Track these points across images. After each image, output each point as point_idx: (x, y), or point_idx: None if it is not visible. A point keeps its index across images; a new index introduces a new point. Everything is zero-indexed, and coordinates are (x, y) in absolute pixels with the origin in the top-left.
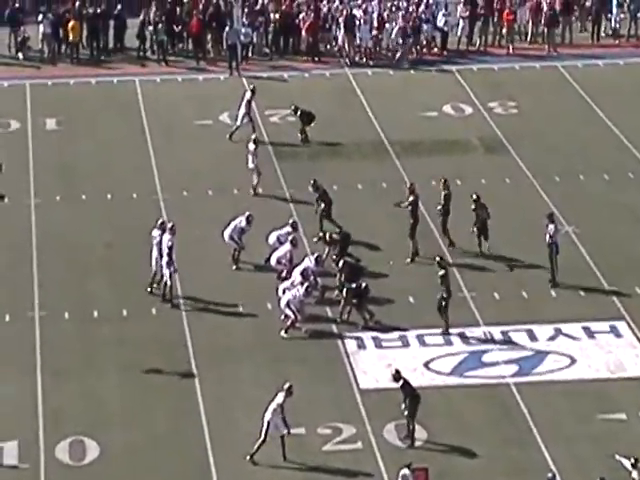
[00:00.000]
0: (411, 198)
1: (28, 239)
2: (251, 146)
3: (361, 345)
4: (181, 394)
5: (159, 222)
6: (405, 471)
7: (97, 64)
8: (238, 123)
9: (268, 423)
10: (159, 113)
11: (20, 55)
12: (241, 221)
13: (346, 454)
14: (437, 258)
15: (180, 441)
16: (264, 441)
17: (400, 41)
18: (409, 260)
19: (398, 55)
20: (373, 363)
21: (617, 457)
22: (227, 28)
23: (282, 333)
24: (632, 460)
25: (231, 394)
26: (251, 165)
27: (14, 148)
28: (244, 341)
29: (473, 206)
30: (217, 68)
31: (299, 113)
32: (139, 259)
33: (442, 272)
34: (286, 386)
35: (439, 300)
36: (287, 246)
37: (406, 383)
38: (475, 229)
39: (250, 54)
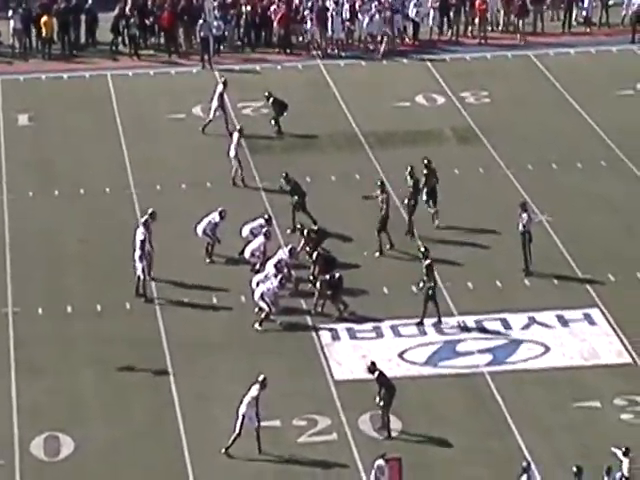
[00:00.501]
0: (383, 196)
1: (1, 235)
2: (235, 135)
3: (335, 336)
4: (156, 389)
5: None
6: (380, 462)
7: (69, 59)
8: (211, 116)
9: (243, 416)
10: (132, 107)
11: None
12: (215, 216)
13: (321, 446)
14: (421, 249)
15: (156, 436)
16: (239, 434)
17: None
18: (378, 254)
19: (383, 48)
20: (348, 354)
21: (612, 449)
22: (200, 21)
23: (256, 326)
24: (623, 449)
25: (206, 388)
26: (232, 153)
27: None
28: (219, 335)
29: (425, 171)
30: (189, 61)
31: (272, 100)
32: (113, 254)
33: (427, 262)
34: (260, 378)
35: (426, 290)
36: (260, 239)
37: (381, 375)
38: (424, 194)
39: (222, 47)
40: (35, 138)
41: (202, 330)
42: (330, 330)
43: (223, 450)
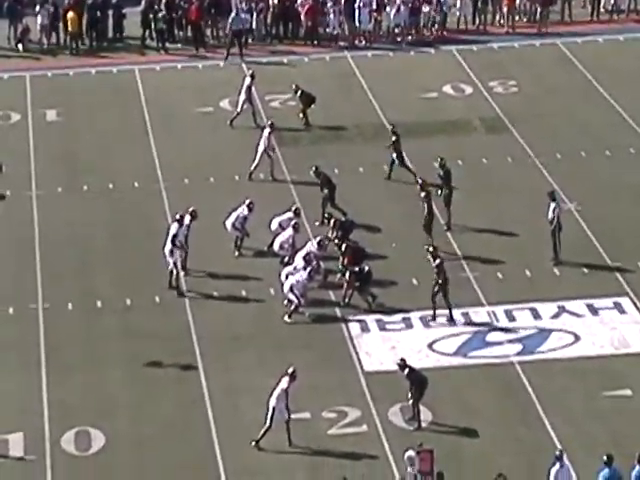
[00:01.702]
0: (423, 194)
1: (30, 231)
2: (266, 131)
3: (365, 328)
4: (186, 382)
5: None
6: (410, 453)
7: (96, 54)
8: (238, 109)
9: (273, 409)
10: (159, 101)
11: (20, 47)
12: (243, 210)
13: (351, 437)
14: (430, 248)
15: (185, 429)
16: (269, 427)
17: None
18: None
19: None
20: (377, 346)
21: None
22: (232, 14)
23: (285, 318)
24: None
25: (236, 381)
26: (261, 148)
27: (15, 140)
28: (248, 327)
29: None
30: (217, 55)
31: (299, 93)
32: (142, 248)
33: (438, 261)
34: (290, 371)
35: (437, 288)
36: (289, 231)
37: (412, 371)
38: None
39: (249, 40)
40: (63, 133)
41: (231, 323)
42: (359, 322)
43: (253, 443)
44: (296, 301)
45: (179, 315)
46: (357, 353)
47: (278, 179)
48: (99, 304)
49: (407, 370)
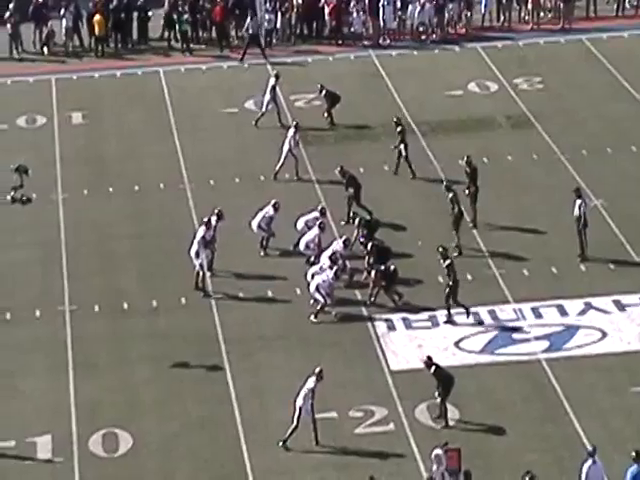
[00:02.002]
0: (450, 195)
1: (57, 233)
2: (291, 131)
3: (391, 327)
4: (213, 383)
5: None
6: (438, 451)
7: (121, 56)
8: (263, 109)
9: (300, 408)
10: (184, 103)
11: (45, 50)
12: (269, 210)
13: (378, 436)
14: (440, 249)
15: (213, 430)
16: (297, 427)
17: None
18: (457, 254)
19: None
20: (404, 344)
21: None
22: (248, 18)
23: (312, 318)
24: None
25: (262, 381)
26: (286, 147)
27: (41, 143)
28: (274, 327)
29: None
30: (240, 55)
31: (324, 93)
32: (168, 250)
33: (448, 262)
34: (317, 370)
35: (448, 289)
36: (315, 230)
37: (438, 368)
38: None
39: (274, 40)
40: (89, 136)
41: (258, 323)
42: (385, 320)
43: (280, 443)
44: (322, 301)
45: (205, 316)
46: (383, 352)
47: (303, 179)
48: (125, 306)
49: (433, 368)
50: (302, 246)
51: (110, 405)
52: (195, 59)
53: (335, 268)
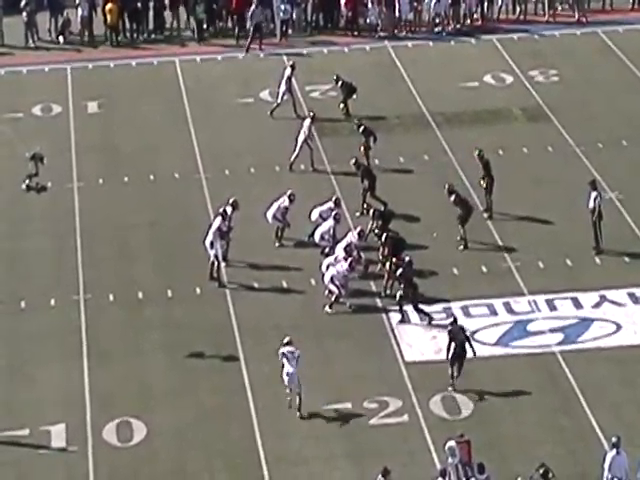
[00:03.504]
0: (452, 197)
1: (72, 222)
2: (307, 121)
3: (406, 318)
4: (227, 373)
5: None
6: (451, 443)
7: (137, 46)
8: (279, 100)
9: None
10: (200, 93)
11: (61, 39)
12: (284, 200)
13: (393, 427)
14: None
15: (227, 420)
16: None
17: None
18: (463, 247)
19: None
20: (418, 336)
21: None
22: (252, 7)
23: (327, 308)
24: None
25: (277, 371)
26: (301, 138)
27: (56, 132)
28: (289, 318)
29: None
30: (257, 45)
31: (340, 83)
32: (183, 239)
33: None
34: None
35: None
36: (330, 222)
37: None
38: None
39: (289, 30)
40: (104, 125)
41: (272, 314)
42: (400, 312)
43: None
44: (337, 292)
45: (220, 306)
46: (398, 343)
47: (318, 169)
48: (140, 295)
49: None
50: (317, 237)
51: (124, 394)
52: (211, 49)
53: (350, 260)
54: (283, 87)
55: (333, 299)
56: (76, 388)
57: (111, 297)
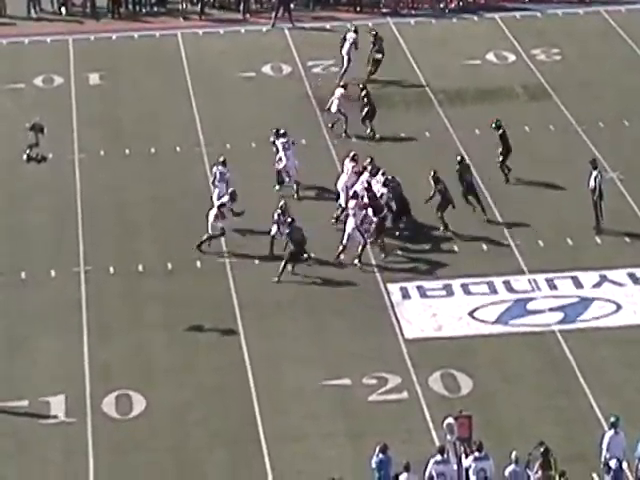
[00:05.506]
0: (438, 186)
1: (72, 194)
2: (339, 91)
3: (406, 295)
4: (226, 348)
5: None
6: (450, 420)
7: (139, 18)
8: (345, 65)
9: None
10: (201, 66)
11: (63, 10)
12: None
13: (392, 404)
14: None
15: (226, 395)
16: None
17: None
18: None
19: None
20: (418, 313)
21: None
22: None
23: (355, 261)
24: None
25: (276, 346)
26: (334, 109)
27: (58, 104)
28: (289, 293)
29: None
30: (260, 20)
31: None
32: (184, 212)
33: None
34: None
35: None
36: (353, 177)
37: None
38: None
39: (293, 5)
40: (106, 97)
41: (273, 288)
42: (400, 288)
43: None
44: (362, 240)
45: (220, 280)
46: (398, 320)
47: (348, 136)
48: (140, 268)
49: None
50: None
51: (124, 367)
52: (213, 22)
53: (363, 204)
54: (349, 52)
55: (360, 250)
56: (76, 360)
57: (111, 269)
